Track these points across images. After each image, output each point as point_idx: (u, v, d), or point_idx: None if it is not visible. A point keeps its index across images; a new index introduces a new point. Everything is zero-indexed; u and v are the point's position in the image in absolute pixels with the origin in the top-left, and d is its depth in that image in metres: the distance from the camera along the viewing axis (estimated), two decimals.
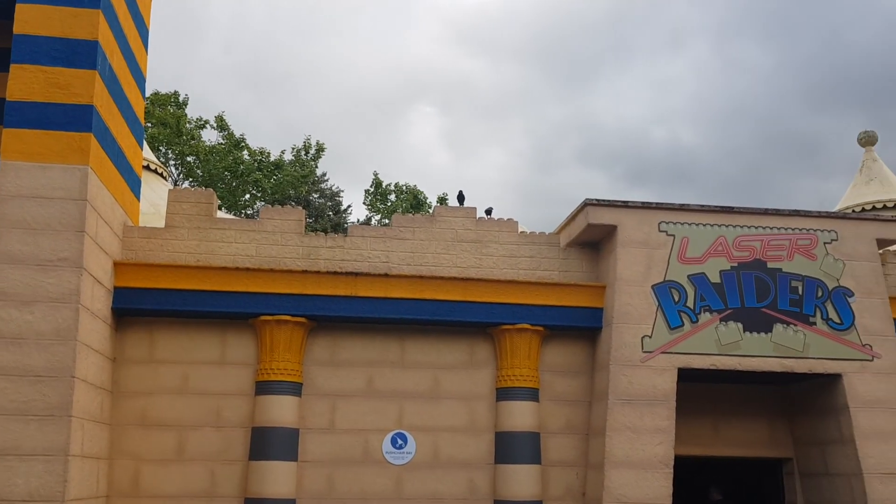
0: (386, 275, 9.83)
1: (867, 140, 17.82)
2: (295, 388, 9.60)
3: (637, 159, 55.83)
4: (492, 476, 9.79)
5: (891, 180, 17.21)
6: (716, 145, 56.18)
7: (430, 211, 17.74)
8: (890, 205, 16.34)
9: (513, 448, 9.69)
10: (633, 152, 56.27)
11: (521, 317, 9.94)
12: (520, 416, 9.78)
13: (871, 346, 9.82)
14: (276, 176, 27.43)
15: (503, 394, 9.94)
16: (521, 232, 10.70)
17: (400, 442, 9.76)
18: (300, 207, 10.47)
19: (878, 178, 17.16)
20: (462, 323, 9.97)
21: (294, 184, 26.99)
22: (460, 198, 12.00)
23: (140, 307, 9.38)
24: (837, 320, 9.84)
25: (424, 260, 10.25)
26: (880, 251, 10.56)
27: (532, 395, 9.91)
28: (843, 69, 52.11)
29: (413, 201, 29.26)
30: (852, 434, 9.59)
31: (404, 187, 29.97)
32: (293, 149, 28.81)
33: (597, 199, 10.04)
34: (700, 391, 10.70)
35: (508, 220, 10.69)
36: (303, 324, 9.66)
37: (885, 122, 50.91)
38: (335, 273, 9.75)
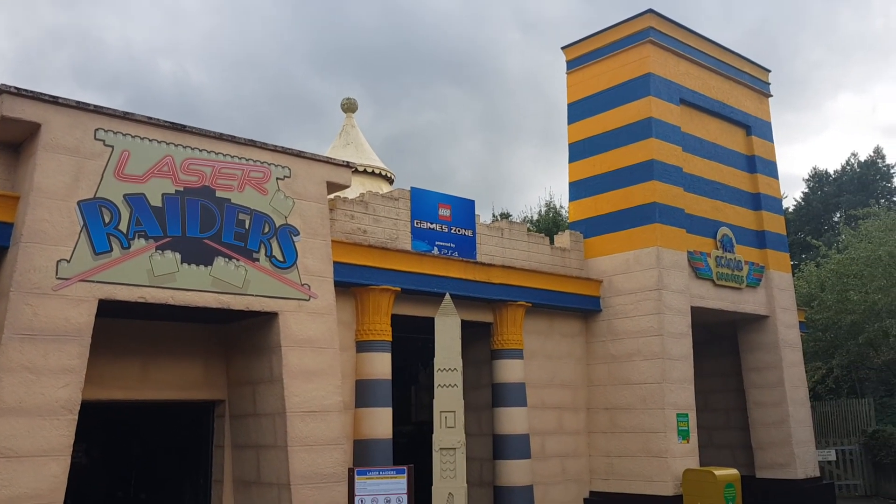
0: None
1: (349, 107, 18.83)
2: None
3: (141, 89, 52.04)
4: None
5: (364, 147, 18.43)
6: (226, 91, 55.66)
7: None
8: (360, 169, 17.43)
9: None
10: (137, 80, 52.33)
11: None
12: None
13: (309, 286, 9.84)
14: None
15: None
16: None
17: None
18: None
19: (353, 144, 18.20)
20: None
21: None
22: None
23: None
24: (280, 258, 9.63)
25: None
26: (331, 196, 10.76)
27: None
28: (347, 40, 56.26)
29: None
30: (281, 373, 9.47)
31: None
32: None
33: (17, 88, 8.07)
34: (130, 328, 9.57)
35: None
36: None
37: (377, 96, 56.67)
38: None
